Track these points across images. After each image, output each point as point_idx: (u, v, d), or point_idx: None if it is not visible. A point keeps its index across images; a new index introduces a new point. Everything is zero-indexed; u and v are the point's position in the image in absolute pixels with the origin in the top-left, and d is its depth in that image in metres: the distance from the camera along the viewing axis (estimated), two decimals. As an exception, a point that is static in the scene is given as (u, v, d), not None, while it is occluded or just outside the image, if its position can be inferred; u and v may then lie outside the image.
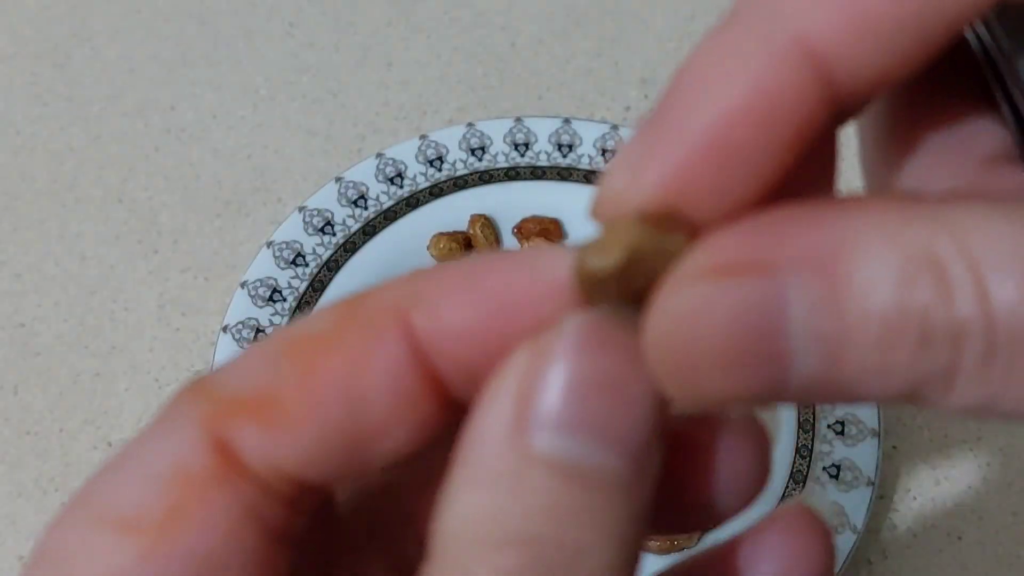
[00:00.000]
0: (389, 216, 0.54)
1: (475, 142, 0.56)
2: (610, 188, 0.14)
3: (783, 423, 0.49)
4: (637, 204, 0.14)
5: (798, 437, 0.48)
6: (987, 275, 0.13)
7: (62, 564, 0.15)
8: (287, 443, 0.15)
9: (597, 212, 0.15)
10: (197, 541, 0.14)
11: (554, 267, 0.15)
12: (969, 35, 0.17)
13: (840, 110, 0.15)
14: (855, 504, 0.47)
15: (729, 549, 0.18)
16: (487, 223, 0.54)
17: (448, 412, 0.16)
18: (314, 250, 0.52)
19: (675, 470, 0.16)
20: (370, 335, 0.15)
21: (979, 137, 0.17)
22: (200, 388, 0.15)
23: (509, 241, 0.55)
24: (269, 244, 0.52)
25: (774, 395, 0.14)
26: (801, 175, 0.15)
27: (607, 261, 0.14)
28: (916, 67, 0.14)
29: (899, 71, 0.14)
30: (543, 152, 0.56)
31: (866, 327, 0.13)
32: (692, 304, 0.14)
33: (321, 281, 0.52)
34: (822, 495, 0.47)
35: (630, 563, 0.14)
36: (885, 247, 0.13)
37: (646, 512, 0.14)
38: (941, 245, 0.13)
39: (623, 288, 0.14)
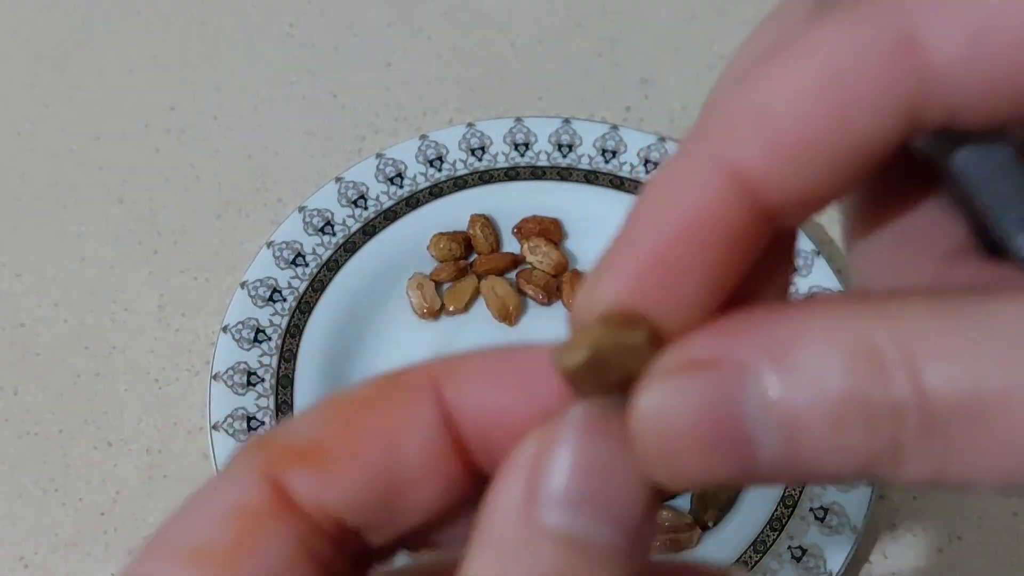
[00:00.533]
0: (389, 216, 0.54)
1: (475, 142, 0.56)
2: (581, 297, 0.17)
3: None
4: (599, 310, 0.16)
5: (798, 437, 0.48)
6: (920, 360, 0.15)
7: None
8: (332, 486, 0.17)
9: (572, 319, 0.17)
10: (258, 568, 0.17)
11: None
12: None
13: (781, 223, 0.17)
14: (855, 504, 0.47)
15: None
16: (487, 223, 0.54)
17: (473, 480, 0.18)
18: (314, 250, 0.52)
19: None
20: (407, 399, 0.18)
21: (941, 230, 0.19)
22: (260, 441, 0.18)
23: (509, 241, 0.55)
24: (269, 244, 0.52)
25: (747, 476, 0.16)
26: (760, 274, 0.17)
27: (573, 358, 0.16)
28: (850, 183, 0.16)
29: (830, 189, 0.16)
30: (543, 152, 0.56)
31: (818, 412, 0.15)
32: (663, 399, 0.16)
33: (321, 281, 0.52)
34: (822, 496, 0.47)
35: None
36: (831, 340, 0.15)
37: (639, 568, 0.16)
38: (880, 336, 0.15)
39: (601, 380, 0.16)
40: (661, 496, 0.17)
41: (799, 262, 0.52)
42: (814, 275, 0.52)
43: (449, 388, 0.18)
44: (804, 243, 0.53)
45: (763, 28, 0.21)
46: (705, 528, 0.47)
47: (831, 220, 0.57)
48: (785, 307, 0.16)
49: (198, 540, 0.17)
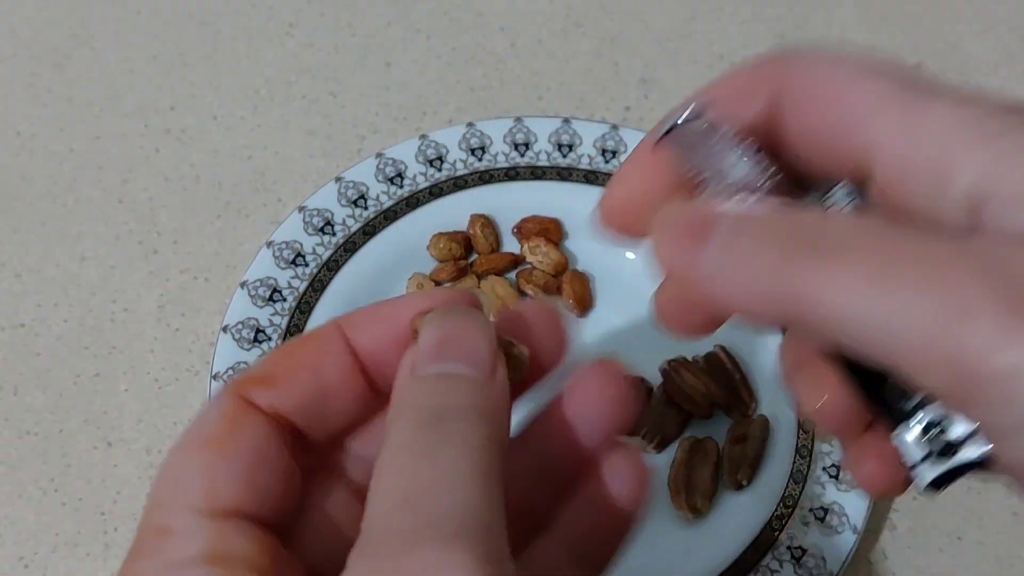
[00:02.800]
0: (389, 216, 0.54)
1: (475, 142, 0.56)
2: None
3: (783, 423, 0.49)
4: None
5: (798, 437, 0.48)
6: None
7: (178, 472, 0.25)
8: (280, 397, 0.26)
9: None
10: (245, 442, 0.25)
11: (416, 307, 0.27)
12: None
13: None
14: (855, 504, 0.47)
15: (554, 404, 0.27)
16: (487, 223, 0.54)
17: (375, 394, 0.27)
18: (314, 250, 0.52)
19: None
20: (325, 342, 0.27)
21: None
22: (233, 378, 0.27)
23: (509, 241, 0.55)
24: (269, 244, 0.52)
25: (699, 266, 0.23)
26: None
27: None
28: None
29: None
30: (543, 152, 0.56)
31: (753, 232, 0.23)
32: (674, 212, 0.25)
33: (321, 281, 0.52)
34: (822, 496, 0.47)
35: (496, 416, 0.24)
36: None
37: (502, 400, 0.25)
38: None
39: None
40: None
41: None
42: None
43: (350, 333, 0.27)
44: None
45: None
46: (740, 487, 0.48)
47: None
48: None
49: (204, 434, 0.25)
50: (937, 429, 0.23)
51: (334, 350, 0.27)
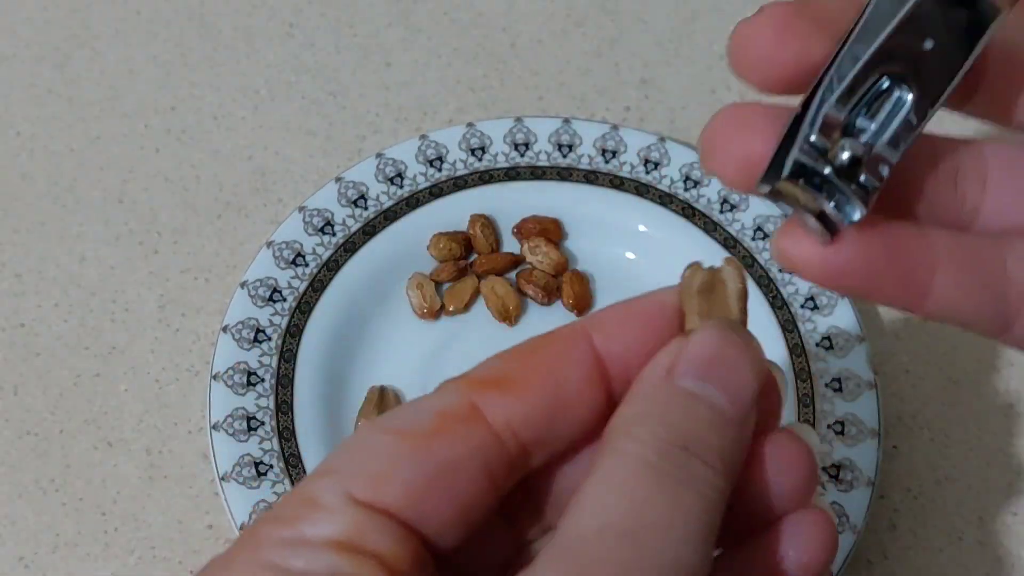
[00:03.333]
0: (389, 216, 0.54)
1: (475, 142, 0.56)
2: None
3: (782, 423, 0.49)
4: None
5: (798, 437, 0.48)
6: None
7: (357, 450, 0.23)
8: (515, 405, 0.23)
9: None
10: (444, 455, 0.22)
11: (671, 299, 0.25)
12: None
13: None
14: (855, 504, 0.47)
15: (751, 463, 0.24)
16: (487, 223, 0.54)
17: (612, 407, 0.24)
18: (314, 250, 0.52)
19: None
20: (567, 344, 0.24)
21: None
22: (460, 377, 0.24)
23: (509, 241, 0.55)
24: (269, 244, 0.52)
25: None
26: None
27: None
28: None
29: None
30: (543, 152, 0.56)
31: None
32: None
33: (321, 281, 0.52)
34: (822, 495, 0.47)
35: (733, 472, 0.22)
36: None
37: (744, 439, 0.23)
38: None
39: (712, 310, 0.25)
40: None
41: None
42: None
43: (597, 336, 0.24)
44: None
45: None
46: None
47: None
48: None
49: (405, 424, 0.23)
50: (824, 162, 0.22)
51: (578, 353, 0.24)
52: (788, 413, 0.49)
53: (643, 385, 0.23)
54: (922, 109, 0.22)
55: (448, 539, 0.23)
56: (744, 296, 0.25)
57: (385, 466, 0.22)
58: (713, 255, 0.52)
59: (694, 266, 0.25)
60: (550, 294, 0.53)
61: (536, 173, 0.55)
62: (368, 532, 0.21)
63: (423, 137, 0.56)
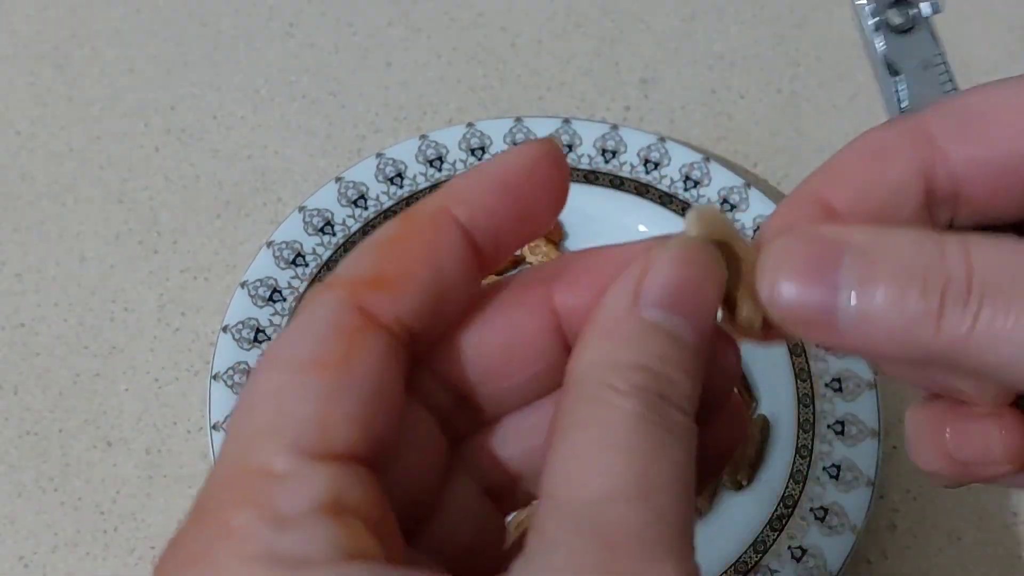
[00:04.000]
0: (389, 216, 0.54)
1: (475, 142, 0.56)
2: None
3: (783, 423, 0.49)
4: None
5: (798, 437, 0.48)
6: (971, 248, 0.21)
7: (279, 399, 0.21)
8: (397, 302, 0.22)
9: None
10: (367, 372, 0.21)
11: (540, 153, 0.25)
12: None
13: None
14: (855, 504, 0.47)
15: None
16: (487, 223, 0.54)
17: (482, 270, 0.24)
18: (314, 250, 0.52)
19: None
20: (435, 222, 0.23)
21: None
22: (331, 282, 0.22)
23: (509, 241, 0.55)
24: (269, 244, 0.52)
25: (827, 315, 0.22)
26: None
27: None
28: (893, 210, 0.24)
29: (885, 213, 0.24)
30: (543, 152, 0.56)
31: (888, 274, 0.21)
32: (790, 241, 0.23)
33: (321, 281, 0.52)
34: (822, 496, 0.47)
35: (696, 394, 0.22)
36: (910, 235, 0.22)
37: (703, 366, 0.22)
38: (945, 237, 0.21)
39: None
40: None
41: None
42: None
43: (459, 210, 0.23)
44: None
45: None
46: (740, 487, 0.48)
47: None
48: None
49: (314, 354, 0.21)
50: None
51: (449, 234, 0.23)
52: (788, 412, 0.49)
53: (608, 316, 0.22)
54: None
55: (386, 451, 0.22)
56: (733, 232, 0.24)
57: (322, 409, 0.20)
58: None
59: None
60: (550, 294, 0.53)
61: (536, 173, 0.55)
62: (344, 488, 0.20)
63: (423, 137, 0.56)
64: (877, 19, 0.25)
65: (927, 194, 0.24)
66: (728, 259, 0.23)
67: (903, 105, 0.26)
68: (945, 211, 0.25)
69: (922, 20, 0.25)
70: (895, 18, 0.25)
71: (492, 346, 0.24)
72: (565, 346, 0.24)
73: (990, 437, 0.25)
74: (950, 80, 0.26)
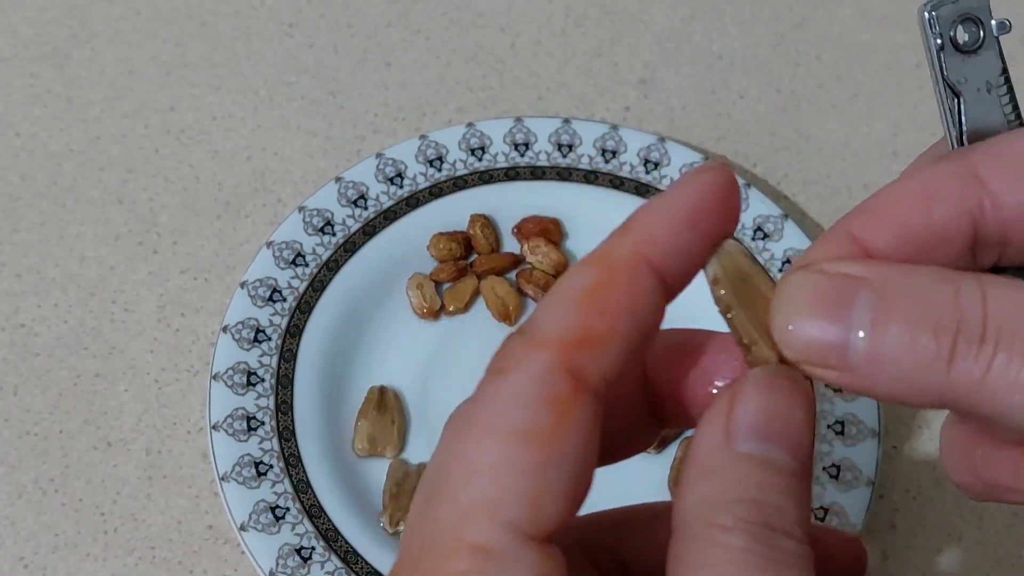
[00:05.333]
0: (389, 216, 0.54)
1: (475, 142, 0.56)
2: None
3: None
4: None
5: (798, 437, 0.48)
6: (988, 291, 0.21)
7: (493, 469, 0.20)
8: (605, 358, 0.21)
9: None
10: (580, 442, 0.21)
11: (716, 180, 0.23)
12: None
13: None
14: (855, 504, 0.47)
15: None
16: (487, 223, 0.54)
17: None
18: (314, 250, 0.52)
19: None
20: (632, 275, 0.22)
21: None
22: (532, 338, 0.22)
23: (509, 241, 0.55)
24: (269, 244, 0.52)
25: (837, 353, 0.21)
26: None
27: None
28: (939, 253, 0.23)
29: (926, 254, 0.23)
30: (543, 152, 0.56)
31: (902, 315, 0.21)
32: (806, 278, 0.22)
33: (321, 281, 0.52)
34: (822, 496, 0.47)
35: (806, 518, 0.21)
36: (926, 274, 0.22)
37: (809, 489, 0.22)
38: (964, 278, 0.21)
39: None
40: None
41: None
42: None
43: (656, 258, 0.22)
44: (804, 242, 0.53)
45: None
46: None
47: (830, 221, 0.57)
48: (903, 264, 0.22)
49: (524, 425, 0.20)
50: None
51: (647, 282, 0.22)
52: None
53: (703, 455, 0.22)
54: None
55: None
56: (761, 270, 0.24)
57: (537, 487, 0.20)
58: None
59: (717, 270, 0.24)
60: (550, 294, 0.53)
61: (536, 173, 0.55)
62: (549, 571, 0.20)
63: (423, 137, 0.56)
64: (942, 35, 0.24)
65: (974, 239, 0.23)
66: (751, 295, 0.23)
67: (964, 129, 0.25)
68: (991, 255, 0.24)
69: (991, 39, 0.24)
70: (961, 35, 0.24)
71: (628, 341, 0.23)
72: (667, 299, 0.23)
73: (1018, 466, 0.25)
74: (1014, 106, 0.25)
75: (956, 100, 0.24)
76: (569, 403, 0.21)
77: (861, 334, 0.21)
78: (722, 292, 0.23)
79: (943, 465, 0.27)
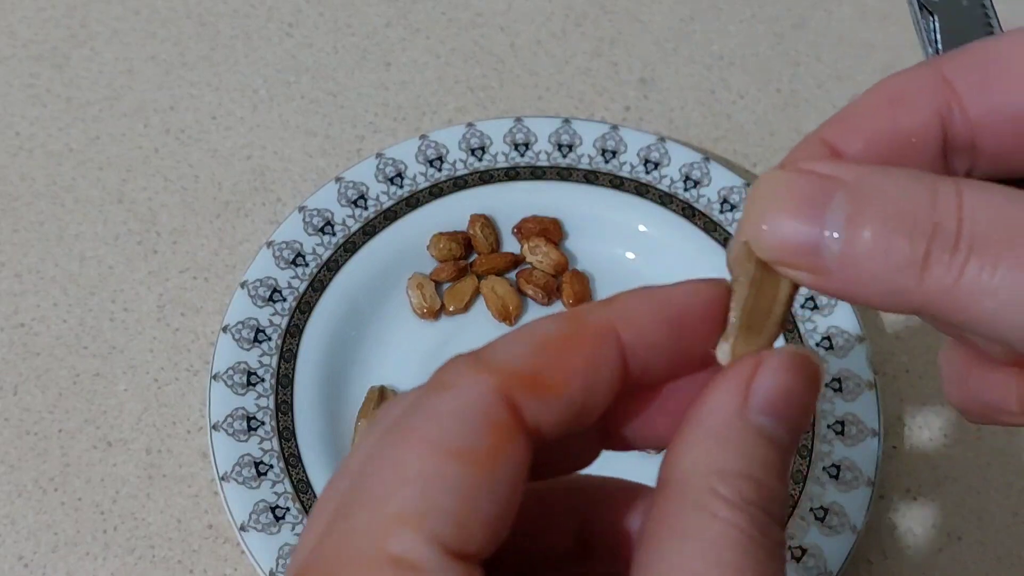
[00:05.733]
0: (389, 216, 0.54)
1: (475, 142, 0.56)
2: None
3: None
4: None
5: (798, 437, 0.48)
6: (965, 197, 0.20)
7: (425, 483, 0.20)
8: (548, 411, 0.21)
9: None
10: (510, 474, 0.20)
11: (709, 295, 0.23)
12: None
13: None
14: (855, 504, 0.47)
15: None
16: (487, 223, 0.54)
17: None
18: (314, 250, 0.52)
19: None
20: (598, 341, 0.22)
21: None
22: (481, 361, 0.21)
23: (509, 241, 0.55)
24: (269, 244, 0.52)
25: (810, 253, 0.21)
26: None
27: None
28: (907, 156, 0.23)
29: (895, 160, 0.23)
30: (543, 152, 0.56)
31: (878, 216, 0.20)
32: (782, 178, 0.22)
33: (321, 281, 0.52)
34: (822, 496, 0.47)
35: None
36: (903, 173, 0.21)
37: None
38: (941, 181, 0.21)
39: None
40: None
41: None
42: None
43: (625, 333, 0.22)
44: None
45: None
46: None
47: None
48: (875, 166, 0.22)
49: (461, 442, 0.20)
50: None
51: (610, 354, 0.22)
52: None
53: (715, 416, 0.21)
54: None
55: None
56: (791, 300, 0.23)
57: (466, 505, 0.20)
58: (713, 255, 0.52)
59: (743, 244, 0.23)
60: (550, 294, 0.53)
61: (536, 173, 0.55)
62: None
63: (423, 137, 0.56)
64: None
65: (944, 142, 0.23)
66: (766, 287, 0.23)
67: (937, 47, 0.24)
68: (963, 161, 0.24)
69: None
70: None
71: (574, 403, 0.22)
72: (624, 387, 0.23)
73: (1008, 387, 0.25)
74: (989, 22, 0.24)
75: (931, 19, 0.24)
76: (507, 431, 0.20)
77: (835, 235, 0.21)
78: (743, 263, 0.23)
79: (943, 388, 0.26)
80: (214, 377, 0.49)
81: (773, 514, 0.20)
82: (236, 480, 0.46)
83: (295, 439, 0.48)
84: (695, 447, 0.21)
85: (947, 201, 0.20)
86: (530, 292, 0.53)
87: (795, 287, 0.23)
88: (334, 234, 0.53)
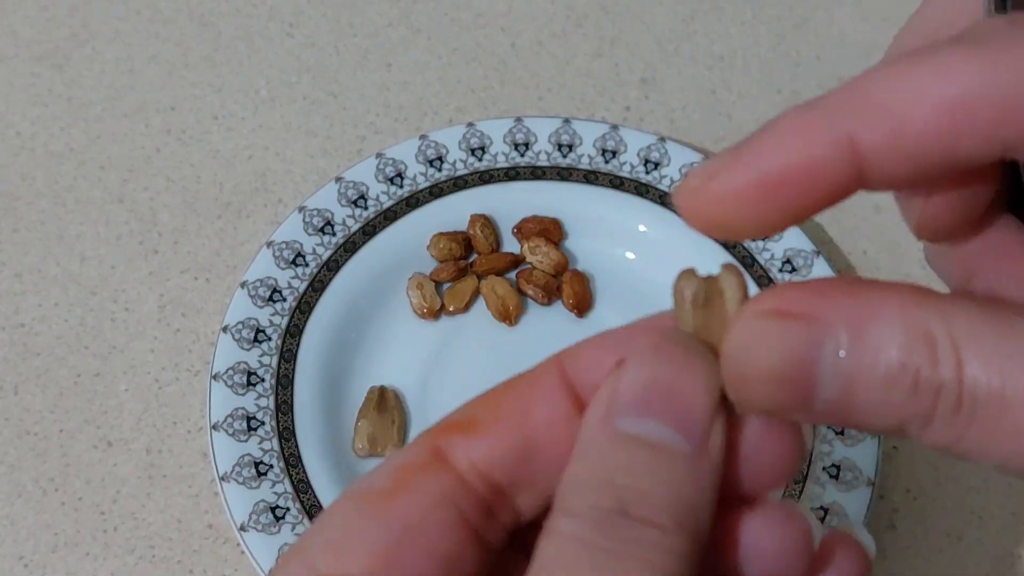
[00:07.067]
0: (389, 216, 0.54)
1: (475, 142, 0.56)
2: (693, 180, 0.20)
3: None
4: (710, 197, 0.20)
5: (798, 437, 0.48)
6: (965, 354, 0.19)
7: (321, 522, 0.21)
8: (480, 448, 0.21)
9: (679, 200, 0.21)
10: (408, 507, 0.21)
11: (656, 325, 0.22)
12: None
13: (867, 186, 0.20)
14: (855, 504, 0.47)
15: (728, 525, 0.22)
16: (487, 223, 0.54)
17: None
18: (314, 250, 0.52)
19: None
20: (536, 380, 0.22)
21: None
22: (433, 426, 0.22)
23: (509, 241, 0.55)
24: (269, 244, 0.52)
25: (802, 411, 0.20)
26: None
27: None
28: (937, 179, 0.21)
29: (919, 180, 0.20)
30: (543, 152, 0.56)
31: (876, 373, 0.19)
32: (754, 335, 0.20)
33: (321, 281, 0.52)
34: (822, 495, 0.47)
35: (693, 521, 0.19)
36: (900, 321, 0.19)
37: (712, 472, 0.20)
38: (938, 329, 0.19)
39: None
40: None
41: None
42: (815, 274, 0.52)
43: (570, 367, 0.22)
44: (804, 243, 0.53)
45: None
46: None
47: (831, 220, 0.57)
48: (865, 284, 0.20)
49: (365, 485, 0.22)
50: None
51: (548, 388, 0.22)
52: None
53: (581, 436, 0.20)
54: None
55: None
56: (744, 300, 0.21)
57: (345, 534, 0.21)
58: (712, 255, 0.52)
59: (686, 273, 0.21)
60: (550, 294, 0.53)
61: (536, 173, 0.55)
62: None
63: (423, 137, 0.56)
64: None
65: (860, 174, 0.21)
66: (710, 314, 0.21)
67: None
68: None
69: None
70: None
71: (511, 439, 0.22)
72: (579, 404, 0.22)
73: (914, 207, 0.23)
74: None
75: None
76: (415, 470, 0.21)
77: (828, 395, 0.19)
78: (687, 307, 0.21)
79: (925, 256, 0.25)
80: (214, 377, 0.49)
81: (640, 514, 0.19)
82: (236, 480, 0.46)
83: (295, 439, 0.48)
84: (568, 467, 0.20)
85: (948, 360, 0.19)
86: (530, 292, 0.53)
87: (745, 292, 0.21)
88: (334, 234, 0.53)
